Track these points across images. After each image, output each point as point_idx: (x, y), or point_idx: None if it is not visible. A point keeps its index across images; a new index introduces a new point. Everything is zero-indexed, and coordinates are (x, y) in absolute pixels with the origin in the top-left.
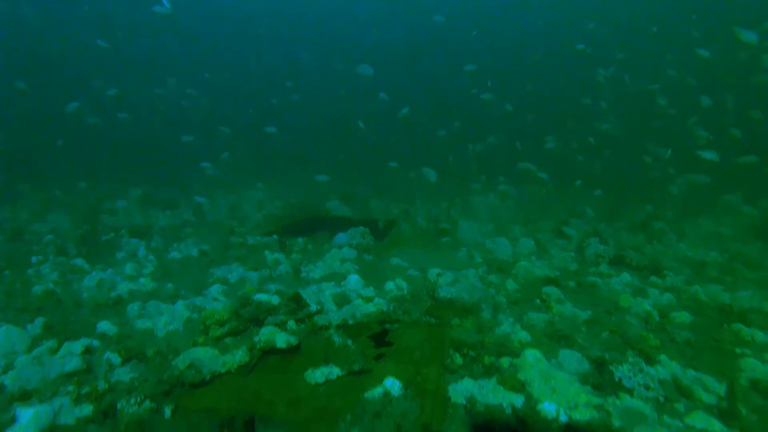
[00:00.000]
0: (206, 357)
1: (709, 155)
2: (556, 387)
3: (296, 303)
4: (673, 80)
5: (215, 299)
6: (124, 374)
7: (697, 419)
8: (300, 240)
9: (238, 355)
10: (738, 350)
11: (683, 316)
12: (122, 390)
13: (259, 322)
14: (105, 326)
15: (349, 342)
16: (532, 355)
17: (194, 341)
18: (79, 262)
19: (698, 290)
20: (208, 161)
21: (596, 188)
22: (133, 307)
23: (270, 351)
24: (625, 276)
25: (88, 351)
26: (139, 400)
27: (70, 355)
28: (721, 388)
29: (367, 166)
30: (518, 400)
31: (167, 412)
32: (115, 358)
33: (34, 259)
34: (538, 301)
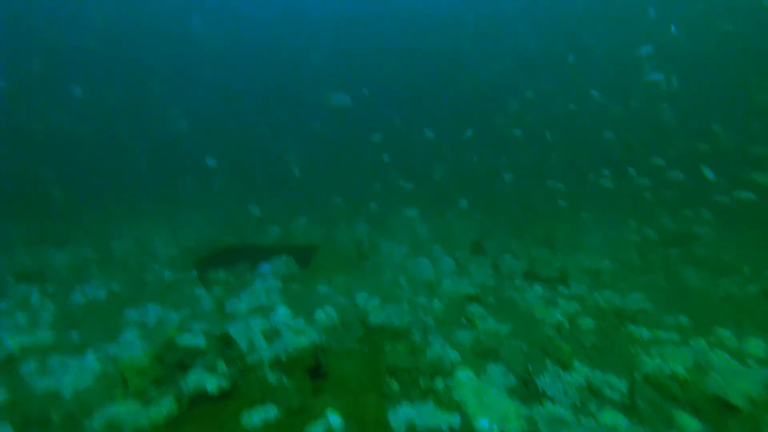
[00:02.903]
0: (127, 413)
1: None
2: (488, 403)
3: (225, 343)
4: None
5: (132, 345)
6: None
7: (607, 416)
8: (221, 273)
9: (165, 407)
10: (632, 349)
11: (588, 322)
12: None
13: (185, 368)
14: None
15: (285, 379)
16: (464, 374)
17: (111, 397)
18: None
19: (598, 297)
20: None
21: (504, 207)
22: (30, 366)
23: (200, 398)
24: (537, 288)
25: None
26: None
27: None
28: (622, 385)
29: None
30: (455, 420)
31: None
32: (8, 430)
33: None
34: (463, 319)
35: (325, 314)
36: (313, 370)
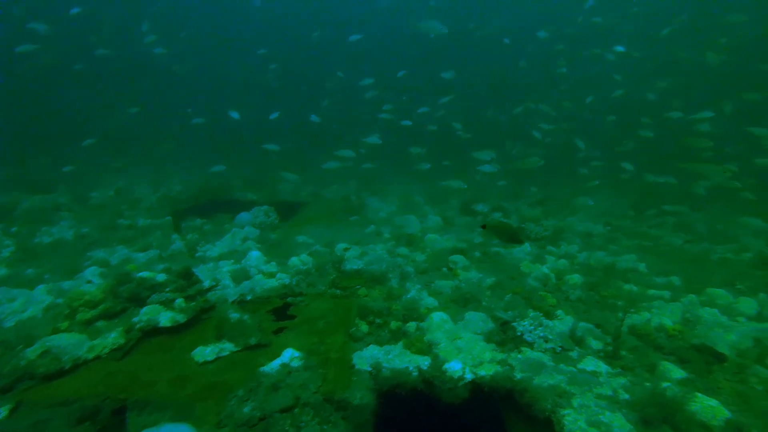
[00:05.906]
0: (69, 343)
1: None
2: (462, 346)
3: (186, 279)
4: None
5: (89, 282)
6: None
7: (588, 363)
8: (198, 221)
9: (111, 338)
10: (619, 303)
11: (575, 278)
12: None
13: (140, 301)
14: None
15: (246, 317)
16: (438, 317)
17: (55, 328)
18: None
19: (587, 256)
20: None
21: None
22: None
23: (152, 331)
24: (526, 246)
25: None
26: None
27: None
28: (606, 336)
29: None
30: (424, 362)
31: (2, 411)
32: None
33: None
34: (445, 269)
35: (299, 260)
36: (279, 311)
